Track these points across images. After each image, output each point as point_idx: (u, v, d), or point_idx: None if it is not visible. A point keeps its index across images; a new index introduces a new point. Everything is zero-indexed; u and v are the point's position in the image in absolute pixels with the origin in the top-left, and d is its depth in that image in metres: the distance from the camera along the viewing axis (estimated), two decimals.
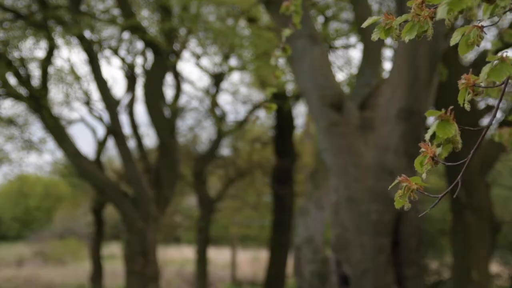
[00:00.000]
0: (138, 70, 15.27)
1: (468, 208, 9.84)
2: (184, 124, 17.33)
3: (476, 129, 1.64)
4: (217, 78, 15.97)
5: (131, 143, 14.50)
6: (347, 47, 13.33)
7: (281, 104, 13.52)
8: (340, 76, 15.39)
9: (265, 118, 18.31)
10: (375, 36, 1.63)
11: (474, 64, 10.65)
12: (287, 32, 2.64)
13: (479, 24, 1.50)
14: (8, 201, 30.98)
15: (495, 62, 1.47)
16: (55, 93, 14.49)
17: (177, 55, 13.68)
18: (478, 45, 1.51)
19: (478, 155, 9.84)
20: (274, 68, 2.57)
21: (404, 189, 1.54)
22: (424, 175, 1.51)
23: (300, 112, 17.68)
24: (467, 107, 1.50)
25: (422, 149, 1.49)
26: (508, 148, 2.99)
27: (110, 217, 25.13)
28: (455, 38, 1.51)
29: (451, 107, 1.50)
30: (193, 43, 14.86)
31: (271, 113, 2.50)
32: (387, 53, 11.58)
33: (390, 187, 1.60)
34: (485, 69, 1.47)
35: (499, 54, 1.48)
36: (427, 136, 1.50)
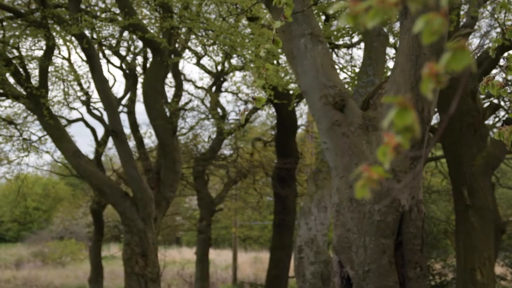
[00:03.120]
0: (138, 69, 15.19)
1: (472, 208, 9.73)
2: (184, 124, 17.23)
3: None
4: (218, 77, 15.87)
5: (131, 143, 14.41)
6: (349, 46, 13.23)
7: (284, 103, 13.41)
8: (343, 75, 15.29)
9: (266, 117, 18.21)
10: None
11: (478, 62, 10.54)
12: (277, 24, 2.55)
13: (443, 11, 1.42)
14: (7, 202, 30.94)
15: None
16: (55, 92, 14.41)
17: (178, 54, 13.57)
18: (443, 34, 1.44)
19: (482, 156, 9.73)
20: (263, 61, 2.48)
21: (365, 179, 1.47)
22: (387, 165, 1.44)
23: (302, 111, 17.57)
24: (430, 96, 1.44)
25: (385, 139, 1.42)
26: (508, 147, 2.92)
27: (110, 217, 25.04)
28: (418, 26, 1.43)
29: (409, 94, 1.43)
30: (194, 42, 14.77)
31: (260, 105, 2.39)
32: (390, 52, 11.48)
33: (352, 176, 1.54)
34: (445, 57, 1.40)
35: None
36: (385, 124, 1.45)
